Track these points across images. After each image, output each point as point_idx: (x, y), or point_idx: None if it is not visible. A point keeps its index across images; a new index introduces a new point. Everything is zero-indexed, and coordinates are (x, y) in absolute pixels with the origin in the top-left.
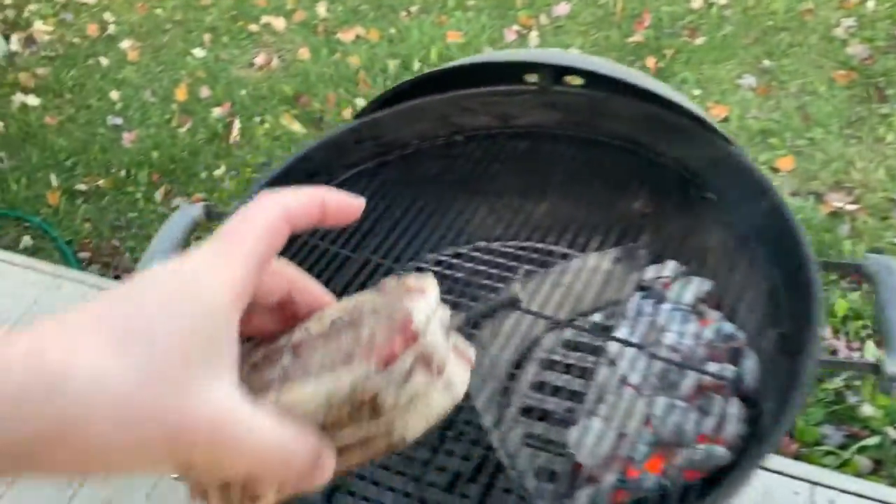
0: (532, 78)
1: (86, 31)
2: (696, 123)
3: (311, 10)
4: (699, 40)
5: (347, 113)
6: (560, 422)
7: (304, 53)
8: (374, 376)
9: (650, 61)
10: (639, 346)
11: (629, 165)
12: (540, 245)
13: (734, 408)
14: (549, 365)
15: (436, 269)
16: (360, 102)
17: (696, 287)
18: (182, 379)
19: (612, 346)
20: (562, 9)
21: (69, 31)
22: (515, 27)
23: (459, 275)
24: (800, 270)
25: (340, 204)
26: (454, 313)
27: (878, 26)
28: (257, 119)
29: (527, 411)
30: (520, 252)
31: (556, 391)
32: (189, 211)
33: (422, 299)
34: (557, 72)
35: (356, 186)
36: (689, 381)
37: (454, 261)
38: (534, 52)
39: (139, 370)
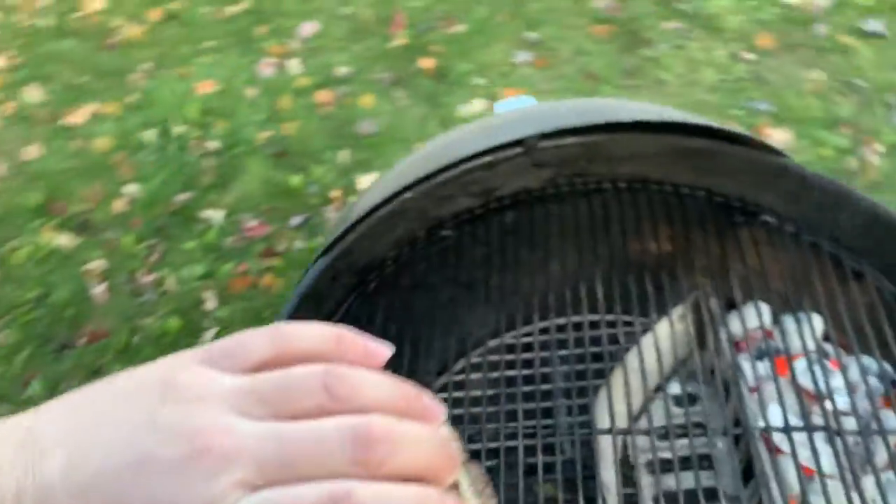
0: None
1: None
2: (723, 142)
3: (18, 99)
4: (459, 28)
5: (120, 204)
6: None
7: (32, 151)
8: None
9: (426, 62)
10: (826, 429)
11: (641, 206)
12: (562, 321)
13: None
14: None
15: (443, 395)
16: (131, 189)
17: (813, 326)
18: None
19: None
20: (308, 29)
21: None
22: (268, 59)
23: (476, 393)
24: None
25: (359, 346)
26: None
27: None
28: (9, 245)
29: None
30: (543, 337)
31: (692, 498)
32: None
33: None
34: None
35: None
36: (881, 448)
37: (459, 378)
38: (506, 120)
39: None
